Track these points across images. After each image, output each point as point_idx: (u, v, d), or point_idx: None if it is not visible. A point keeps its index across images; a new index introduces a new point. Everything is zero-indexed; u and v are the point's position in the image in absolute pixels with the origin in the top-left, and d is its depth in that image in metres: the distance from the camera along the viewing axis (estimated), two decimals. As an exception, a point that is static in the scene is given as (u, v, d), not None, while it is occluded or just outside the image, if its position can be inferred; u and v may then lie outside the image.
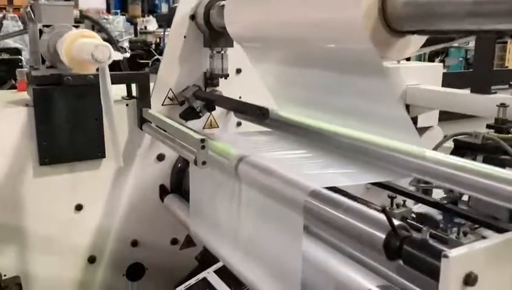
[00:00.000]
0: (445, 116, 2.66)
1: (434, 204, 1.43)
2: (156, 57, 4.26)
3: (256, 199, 1.32)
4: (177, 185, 1.96)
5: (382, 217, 0.92)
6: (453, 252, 0.73)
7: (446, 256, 0.72)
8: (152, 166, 1.92)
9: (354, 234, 0.94)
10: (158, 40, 5.25)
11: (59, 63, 1.61)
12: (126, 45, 5.10)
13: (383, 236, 0.88)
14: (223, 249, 1.49)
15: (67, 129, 1.69)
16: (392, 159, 1.24)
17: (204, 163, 1.35)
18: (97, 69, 1.48)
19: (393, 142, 1.27)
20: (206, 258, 1.95)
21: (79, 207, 1.80)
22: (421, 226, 1.34)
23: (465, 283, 0.74)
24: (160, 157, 1.93)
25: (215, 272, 1.74)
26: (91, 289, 1.89)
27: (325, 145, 1.46)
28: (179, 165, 1.97)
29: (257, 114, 1.45)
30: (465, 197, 1.48)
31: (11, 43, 4.74)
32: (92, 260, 1.86)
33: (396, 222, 0.87)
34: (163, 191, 1.95)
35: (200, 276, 1.76)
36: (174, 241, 2.04)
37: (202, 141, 1.33)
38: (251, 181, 1.29)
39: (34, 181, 1.70)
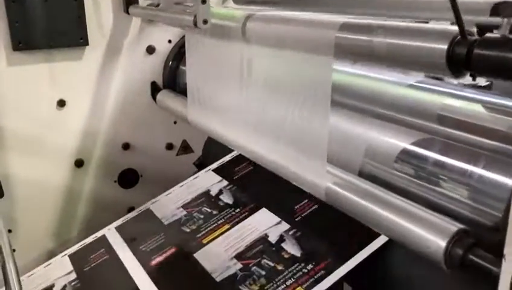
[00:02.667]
0: None
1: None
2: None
3: (269, 61, 1.13)
4: (171, 82, 1.77)
5: (438, 28, 0.75)
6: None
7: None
8: (141, 60, 1.72)
9: (404, 55, 0.77)
10: None
11: None
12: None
13: (445, 46, 0.71)
14: (231, 132, 1.31)
15: (43, 9, 1.46)
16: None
17: (205, 22, 1.14)
18: None
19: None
20: (206, 164, 1.79)
21: (62, 103, 1.59)
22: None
23: None
24: (150, 50, 1.72)
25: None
26: (80, 196, 1.71)
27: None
28: (171, 61, 1.76)
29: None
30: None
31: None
32: (79, 163, 1.68)
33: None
34: (155, 89, 1.76)
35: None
36: (170, 147, 1.86)
37: (203, -7, 1.12)
38: (263, 36, 1.10)
39: (9, 70, 1.49)
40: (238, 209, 1.32)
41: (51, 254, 1.67)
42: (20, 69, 1.50)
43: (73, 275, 1.36)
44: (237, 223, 1.28)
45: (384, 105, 1.08)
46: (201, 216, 1.36)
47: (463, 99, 0.97)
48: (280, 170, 1.13)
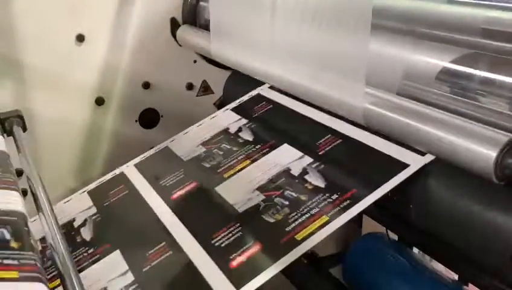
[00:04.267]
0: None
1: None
2: None
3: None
4: (190, 18, 1.71)
5: None
6: None
7: None
8: None
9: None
10: None
11: None
12: None
13: None
14: (260, 61, 1.27)
15: None
16: None
17: None
18: None
19: None
20: (226, 104, 1.76)
21: (81, 38, 1.55)
22: None
23: None
24: (170, -17, 1.66)
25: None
26: (101, 135, 1.69)
27: None
28: (191, -3, 1.71)
29: None
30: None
31: None
32: (100, 101, 1.65)
33: None
34: (174, 26, 1.71)
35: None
36: (190, 86, 1.82)
37: None
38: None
39: (27, 2, 1.45)
40: (258, 146, 1.28)
41: (72, 193, 1.67)
42: (38, 1, 1.46)
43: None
44: (258, 158, 1.24)
45: (422, 23, 1.04)
46: (221, 152, 1.33)
47: (507, 10, 0.92)
48: (315, 96, 1.09)
